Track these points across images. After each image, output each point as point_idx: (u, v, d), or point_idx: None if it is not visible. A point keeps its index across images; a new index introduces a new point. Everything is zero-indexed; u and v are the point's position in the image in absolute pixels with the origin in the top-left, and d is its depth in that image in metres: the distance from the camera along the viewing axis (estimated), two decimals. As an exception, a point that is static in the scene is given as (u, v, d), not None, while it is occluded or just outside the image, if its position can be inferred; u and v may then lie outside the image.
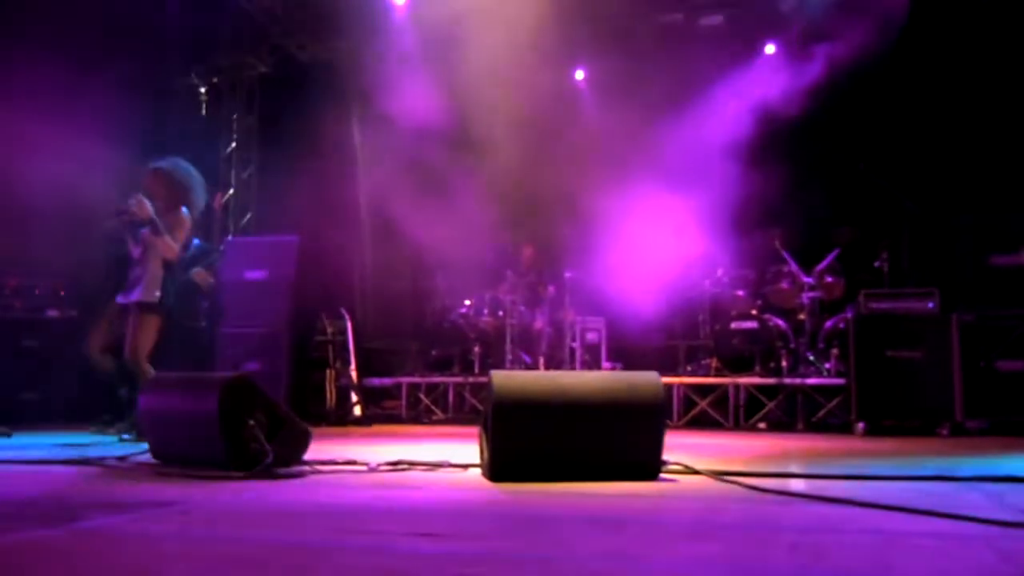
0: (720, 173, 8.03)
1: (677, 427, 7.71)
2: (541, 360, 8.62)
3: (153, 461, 4.03)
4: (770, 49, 9.30)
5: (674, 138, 8.47)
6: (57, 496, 2.98)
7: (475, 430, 3.90)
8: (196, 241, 7.39)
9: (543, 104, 9.30)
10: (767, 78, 8.94)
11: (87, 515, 2.54)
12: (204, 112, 9.77)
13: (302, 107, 9.71)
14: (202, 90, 9.73)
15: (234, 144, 10.17)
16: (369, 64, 9.13)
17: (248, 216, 10.20)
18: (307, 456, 3.77)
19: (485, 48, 8.72)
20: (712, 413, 7.89)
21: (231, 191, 10.10)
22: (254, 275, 7.98)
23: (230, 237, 9.31)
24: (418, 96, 8.90)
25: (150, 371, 5.62)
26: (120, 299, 5.78)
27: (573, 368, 8.42)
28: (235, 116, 10.15)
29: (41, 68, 6.82)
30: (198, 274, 7.23)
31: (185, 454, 3.81)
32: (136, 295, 5.64)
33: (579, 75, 10.19)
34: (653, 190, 8.19)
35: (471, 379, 8.67)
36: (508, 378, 3.47)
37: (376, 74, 9.10)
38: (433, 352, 9.34)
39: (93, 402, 6.58)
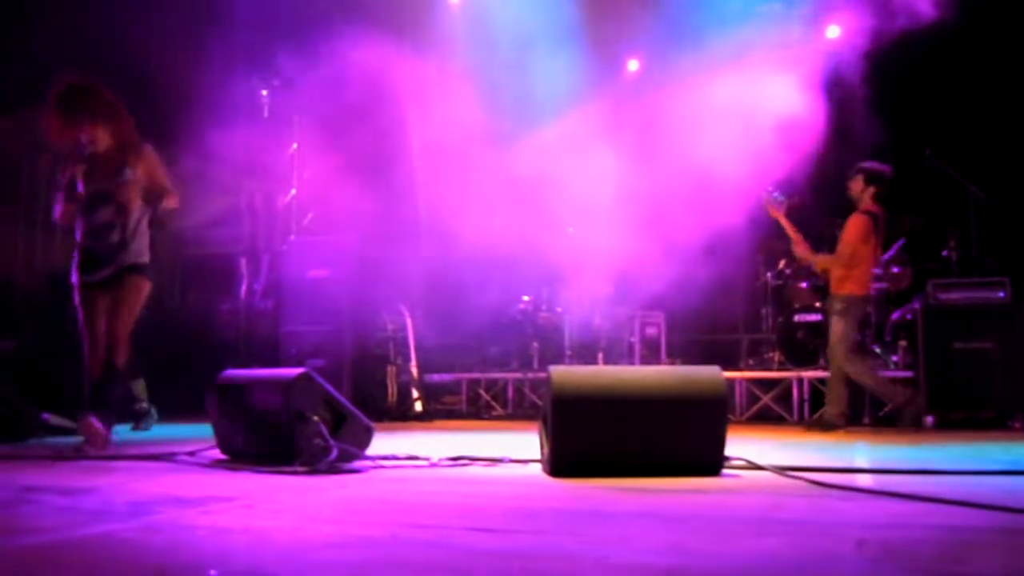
0: (779, 161, 7.89)
1: (740, 422, 7.61)
2: (600, 355, 8.59)
3: (221, 456, 4.13)
4: (832, 32, 9.07)
5: (731, 126, 8.35)
6: (127, 490, 3.06)
7: (535, 426, 3.91)
8: None
9: (596, 96, 9.28)
10: (829, 60, 8.75)
11: (157, 508, 2.62)
12: (266, 113, 9.91)
13: (361, 106, 9.81)
14: (263, 92, 9.88)
15: (296, 144, 10.32)
16: (426, 63, 9.18)
17: (310, 215, 10.34)
18: (369, 451, 3.82)
19: (539, 42, 8.74)
20: (776, 408, 7.77)
21: (293, 191, 10.25)
22: (316, 273, 8.10)
23: (292, 236, 9.45)
24: (472, 93, 8.95)
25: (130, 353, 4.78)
26: (92, 275, 4.67)
27: (632, 363, 8.37)
28: (296, 117, 10.30)
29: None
30: None
31: (251, 449, 3.89)
32: (129, 257, 4.67)
33: (633, 65, 10.12)
34: (710, 179, 8.09)
35: (530, 375, 8.68)
36: (567, 373, 3.47)
37: (432, 73, 9.15)
38: (492, 348, 9.38)
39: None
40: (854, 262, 6.30)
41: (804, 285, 8.13)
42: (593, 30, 9.05)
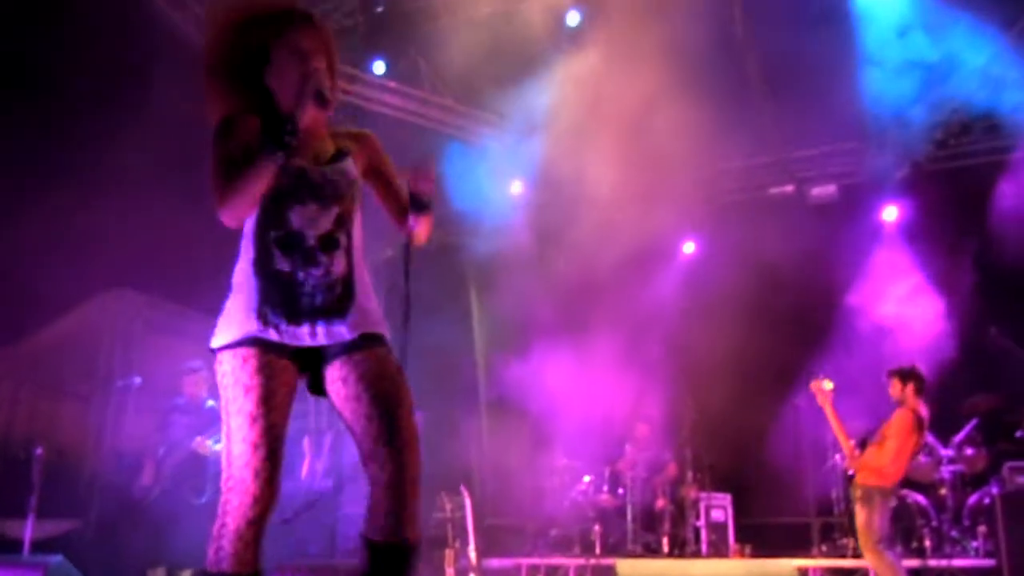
0: (844, 343, 7.87)
1: (815, 614, 7.20)
2: (664, 540, 8.30)
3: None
4: (889, 215, 9.18)
5: (796, 308, 8.39)
6: None
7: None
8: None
9: (654, 279, 9.45)
10: (886, 246, 8.86)
11: None
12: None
13: (424, 286, 10.10)
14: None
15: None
16: (488, 245, 9.47)
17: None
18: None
19: (597, 225, 9.00)
20: (853, 599, 7.36)
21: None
22: (377, 454, 8.09)
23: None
24: (534, 274, 9.18)
25: None
26: (288, 328, 2.43)
27: (698, 549, 8.06)
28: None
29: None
30: (200, 444, 6.56)
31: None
32: (374, 317, 2.64)
33: (689, 247, 10.25)
34: (776, 360, 8.06)
35: (592, 560, 8.36)
36: (634, 568, 3.37)
37: (495, 253, 9.43)
38: (552, 531, 9.12)
39: None
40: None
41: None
42: (649, 212, 9.31)
